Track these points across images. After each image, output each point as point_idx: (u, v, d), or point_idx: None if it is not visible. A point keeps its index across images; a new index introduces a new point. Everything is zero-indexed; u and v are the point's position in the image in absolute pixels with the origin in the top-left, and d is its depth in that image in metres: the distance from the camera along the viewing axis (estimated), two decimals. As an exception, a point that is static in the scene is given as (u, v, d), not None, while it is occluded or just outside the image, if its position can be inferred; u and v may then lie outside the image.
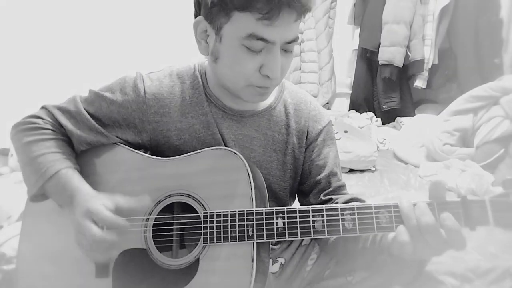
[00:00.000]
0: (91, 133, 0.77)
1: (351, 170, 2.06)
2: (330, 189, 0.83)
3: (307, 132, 0.84)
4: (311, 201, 0.85)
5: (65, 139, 0.79)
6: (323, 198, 0.83)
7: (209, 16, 0.67)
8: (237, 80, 0.70)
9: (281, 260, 0.87)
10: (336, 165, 0.86)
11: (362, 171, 2.06)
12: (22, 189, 0.77)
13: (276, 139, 0.82)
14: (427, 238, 0.57)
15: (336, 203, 0.80)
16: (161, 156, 0.77)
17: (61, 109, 0.79)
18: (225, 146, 0.79)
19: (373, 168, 2.09)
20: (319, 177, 0.83)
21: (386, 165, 2.15)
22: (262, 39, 0.64)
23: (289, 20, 0.64)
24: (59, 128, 0.78)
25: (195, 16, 0.72)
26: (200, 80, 0.80)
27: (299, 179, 0.87)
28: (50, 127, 0.77)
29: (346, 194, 0.84)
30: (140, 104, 0.78)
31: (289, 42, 0.67)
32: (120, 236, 0.66)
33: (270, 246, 0.74)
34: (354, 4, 3.04)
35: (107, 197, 0.68)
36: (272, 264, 0.86)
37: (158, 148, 0.80)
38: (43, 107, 0.81)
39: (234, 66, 0.69)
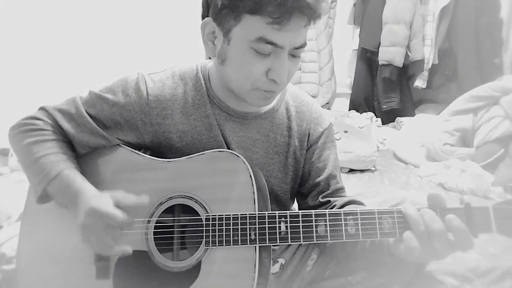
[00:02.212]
0: (92, 136, 0.77)
1: (351, 170, 2.06)
2: (328, 191, 0.83)
3: (309, 134, 0.84)
4: (309, 203, 0.85)
5: (66, 139, 0.78)
6: (321, 200, 0.83)
7: (218, 18, 0.67)
8: (243, 83, 0.70)
9: (281, 261, 0.87)
10: (336, 168, 0.86)
11: (362, 171, 2.06)
12: (22, 189, 0.77)
13: (278, 141, 0.82)
14: (435, 243, 0.57)
15: (334, 205, 0.80)
16: (163, 158, 0.77)
17: (62, 111, 0.78)
18: (228, 148, 0.79)
19: (373, 168, 2.09)
20: (318, 179, 0.83)
21: (386, 165, 2.15)
22: (271, 43, 0.64)
23: (299, 25, 0.64)
24: (59, 130, 0.78)
25: (203, 17, 0.72)
26: (203, 81, 0.80)
27: (299, 181, 0.87)
28: (50, 128, 0.77)
29: (345, 196, 0.84)
30: (143, 106, 0.77)
31: (297, 48, 0.67)
32: (121, 238, 0.66)
33: (271, 247, 0.74)
34: (354, 4, 3.03)
35: (108, 195, 0.68)
36: (273, 265, 0.86)
37: (159, 149, 0.80)
38: (42, 108, 0.80)
39: (241, 69, 0.68)
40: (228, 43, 0.68)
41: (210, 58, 0.80)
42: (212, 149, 0.75)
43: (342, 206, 0.79)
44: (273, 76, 0.67)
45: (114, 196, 0.67)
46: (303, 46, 0.68)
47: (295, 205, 0.94)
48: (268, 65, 0.67)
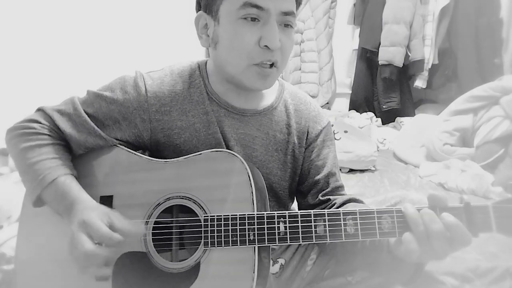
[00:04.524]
0: (90, 136, 0.76)
1: (351, 170, 2.07)
2: (328, 190, 0.83)
3: (307, 132, 0.84)
4: (309, 201, 0.85)
5: (62, 143, 0.77)
6: (321, 198, 0.83)
7: (207, 6, 0.70)
8: (238, 59, 0.70)
9: (281, 261, 0.87)
10: (335, 166, 0.86)
11: (362, 171, 2.06)
12: (22, 189, 0.77)
13: (277, 139, 0.82)
14: (434, 244, 0.57)
15: (334, 203, 0.80)
16: (161, 155, 0.77)
17: (60, 111, 0.78)
18: (226, 145, 0.79)
19: (373, 168, 2.09)
20: (317, 177, 0.83)
21: (386, 165, 2.15)
22: (256, 6, 0.66)
23: None
24: (56, 132, 0.77)
25: None
26: (201, 78, 0.80)
27: (297, 179, 0.87)
28: (47, 132, 0.76)
29: (344, 194, 0.84)
30: (142, 103, 0.77)
31: (285, 14, 0.69)
32: (114, 250, 0.63)
33: (270, 247, 0.73)
34: (354, 4, 3.04)
35: (104, 212, 0.66)
36: (272, 265, 0.86)
37: (158, 147, 0.80)
38: (40, 109, 0.79)
39: (233, 43, 0.69)
40: (218, 22, 0.70)
41: (209, 56, 0.80)
42: (211, 145, 0.75)
43: (342, 205, 0.79)
44: (265, 42, 0.68)
45: (110, 216, 0.65)
46: (291, 13, 0.69)
47: (295, 205, 0.95)
48: (259, 33, 0.68)
